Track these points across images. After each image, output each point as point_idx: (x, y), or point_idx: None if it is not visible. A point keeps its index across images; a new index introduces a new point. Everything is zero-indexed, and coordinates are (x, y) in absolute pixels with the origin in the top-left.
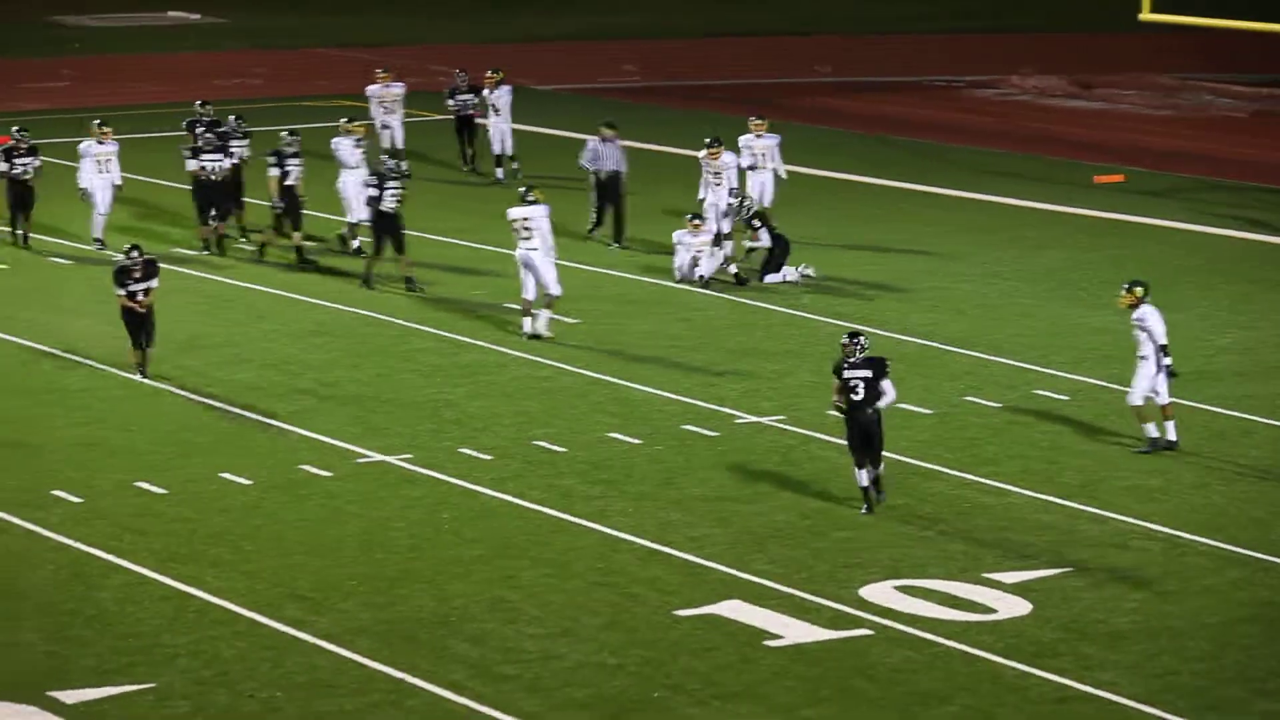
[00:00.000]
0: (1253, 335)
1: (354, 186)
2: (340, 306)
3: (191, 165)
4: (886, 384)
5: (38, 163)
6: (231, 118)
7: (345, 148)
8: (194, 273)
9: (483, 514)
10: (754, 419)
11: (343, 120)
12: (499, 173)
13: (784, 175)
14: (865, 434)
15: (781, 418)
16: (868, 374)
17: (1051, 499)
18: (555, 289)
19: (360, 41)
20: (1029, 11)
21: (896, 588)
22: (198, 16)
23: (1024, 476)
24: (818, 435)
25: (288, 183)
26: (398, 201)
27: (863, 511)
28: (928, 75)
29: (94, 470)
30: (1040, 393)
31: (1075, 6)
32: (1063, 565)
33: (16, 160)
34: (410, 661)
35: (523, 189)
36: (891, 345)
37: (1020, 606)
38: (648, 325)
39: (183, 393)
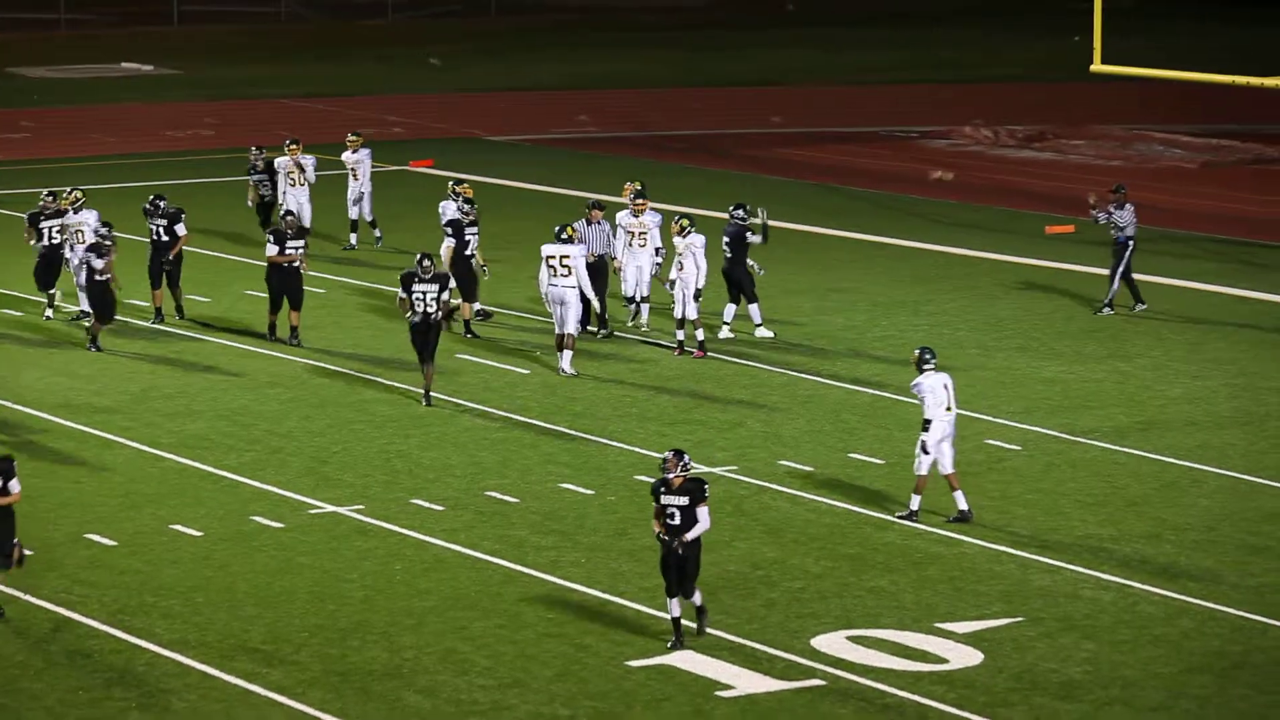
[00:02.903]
0: (1203, 385)
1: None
2: (292, 358)
3: (271, 251)
4: (702, 511)
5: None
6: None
7: (453, 210)
8: (145, 324)
9: (435, 565)
10: (706, 469)
11: (450, 182)
12: (352, 239)
13: (660, 259)
14: (680, 563)
15: (733, 468)
16: (684, 501)
17: (1003, 549)
18: (573, 328)
19: (312, 92)
20: (981, 63)
21: (849, 638)
22: (150, 68)
23: (975, 526)
24: (770, 485)
25: (466, 253)
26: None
27: (669, 645)
28: (880, 126)
29: (44, 522)
30: (991, 442)
31: (1026, 58)
32: (1015, 615)
33: (42, 225)
34: (362, 713)
35: (557, 227)
36: (843, 395)
37: (973, 656)
38: (600, 376)
39: (134, 444)
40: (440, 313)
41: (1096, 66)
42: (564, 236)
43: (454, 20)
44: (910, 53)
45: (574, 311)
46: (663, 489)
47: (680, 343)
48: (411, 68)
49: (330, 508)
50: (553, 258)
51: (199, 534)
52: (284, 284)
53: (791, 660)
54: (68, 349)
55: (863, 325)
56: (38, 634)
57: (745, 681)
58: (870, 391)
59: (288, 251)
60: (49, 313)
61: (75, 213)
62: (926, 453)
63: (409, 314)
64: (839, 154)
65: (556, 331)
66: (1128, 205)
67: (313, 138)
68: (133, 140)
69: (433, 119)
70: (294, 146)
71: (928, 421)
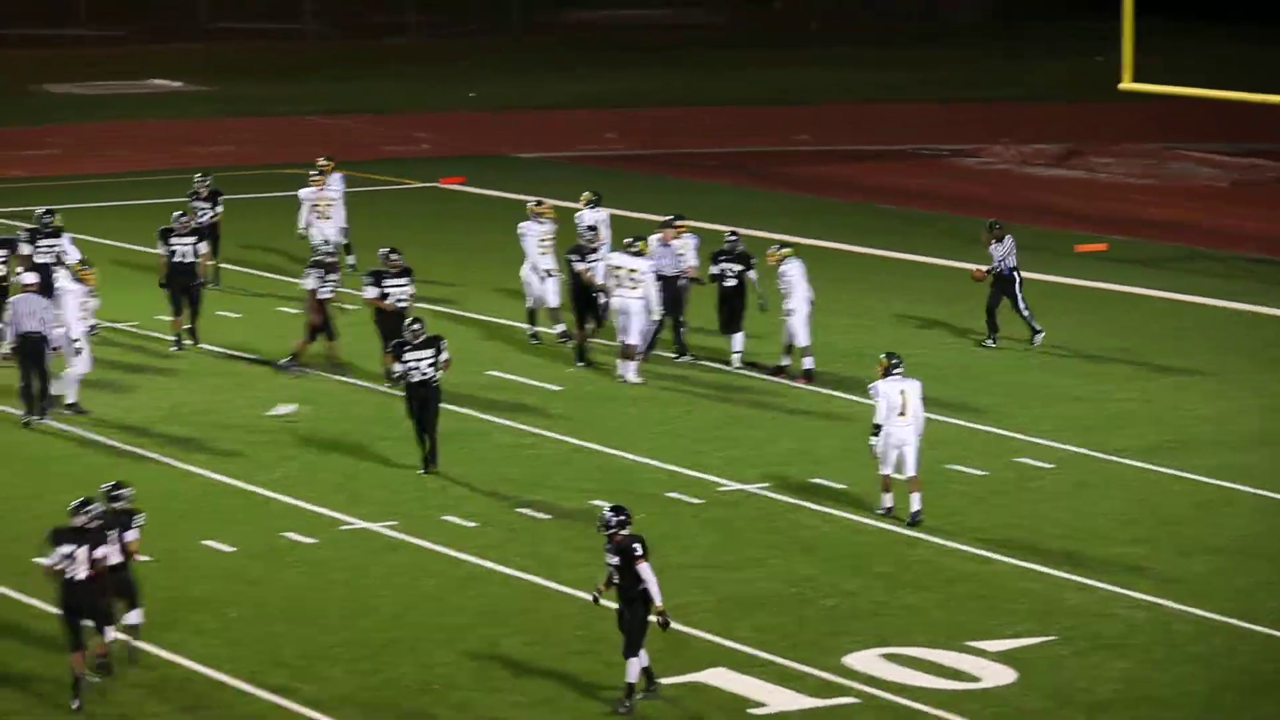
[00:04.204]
0: (1233, 404)
1: (541, 272)
2: (323, 374)
3: (371, 294)
4: (643, 569)
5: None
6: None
7: (534, 232)
8: (172, 337)
9: (466, 581)
10: (738, 486)
11: (530, 202)
12: (349, 259)
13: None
14: (630, 623)
15: (766, 485)
16: (616, 560)
17: (1036, 567)
18: (636, 339)
19: (341, 109)
20: (1011, 80)
21: (882, 656)
22: (178, 84)
23: (1008, 545)
24: (803, 503)
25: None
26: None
27: (617, 709)
28: (910, 143)
29: None
30: (1023, 461)
31: (1057, 75)
32: (1048, 633)
33: None
34: None
35: (628, 240)
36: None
37: (1005, 675)
38: (631, 392)
39: (166, 460)
40: (437, 377)
41: (1125, 84)
42: (635, 249)
43: (479, 37)
44: (938, 70)
45: (637, 322)
46: (607, 546)
47: (806, 371)
48: (437, 85)
49: (362, 524)
50: (620, 268)
51: (231, 550)
52: (387, 326)
53: (825, 678)
54: (98, 366)
55: (893, 343)
56: None
57: (778, 699)
58: None
59: (389, 293)
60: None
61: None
62: (874, 456)
63: (396, 380)
64: (868, 172)
65: (620, 341)
66: (1006, 238)
67: (340, 154)
68: (159, 156)
69: (459, 136)
70: (319, 178)
71: (877, 426)
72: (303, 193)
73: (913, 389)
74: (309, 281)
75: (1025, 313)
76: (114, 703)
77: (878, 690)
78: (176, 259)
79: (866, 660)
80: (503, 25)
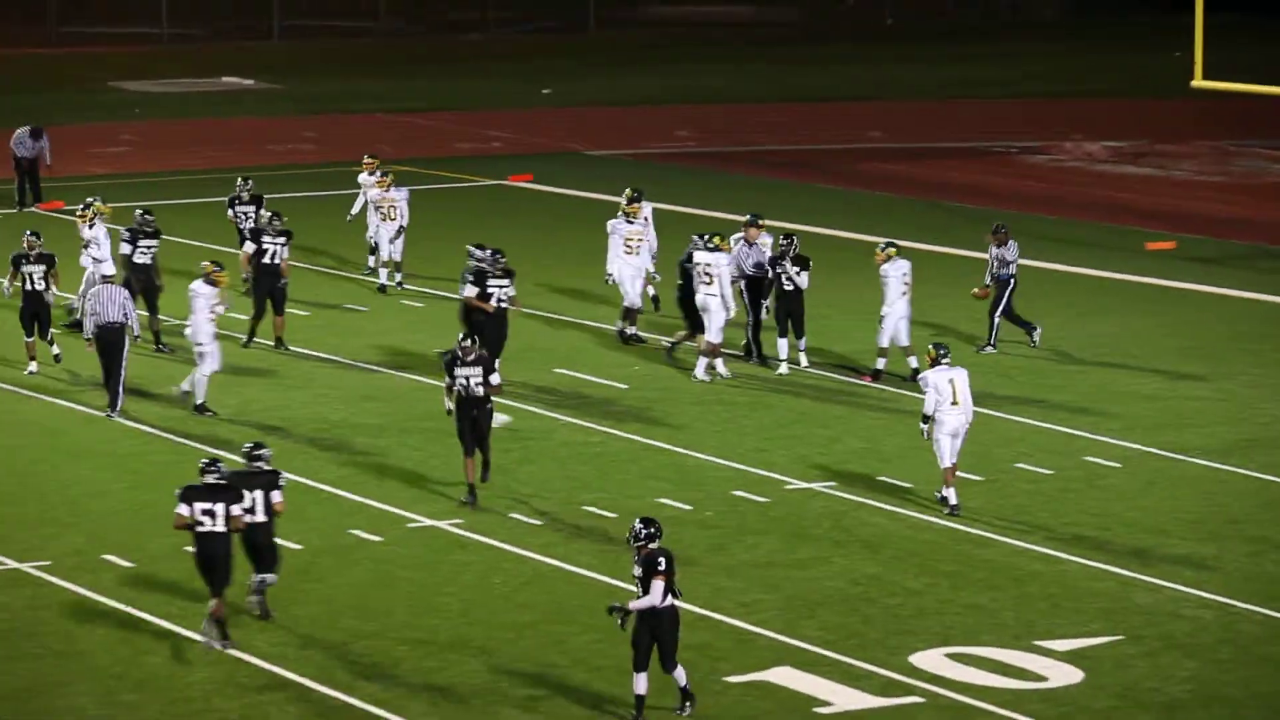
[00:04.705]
0: None
1: (629, 270)
2: (390, 371)
3: (469, 292)
4: (654, 585)
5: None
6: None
7: (622, 231)
8: (242, 336)
9: (533, 579)
10: (805, 485)
11: (622, 200)
12: (371, 260)
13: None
14: (651, 636)
15: (832, 484)
16: (638, 572)
17: (1104, 566)
18: (715, 338)
19: (411, 106)
20: (1081, 78)
21: (948, 655)
22: (251, 82)
23: (1076, 544)
24: (869, 502)
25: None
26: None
27: None
28: (979, 141)
29: (145, 534)
30: (1091, 459)
31: (1127, 73)
32: (1116, 633)
33: (24, 269)
34: None
35: (705, 235)
36: None
37: (1073, 675)
38: (698, 390)
39: (233, 457)
40: (490, 395)
41: (1197, 82)
42: (711, 245)
43: (554, 34)
44: (1009, 67)
45: (716, 319)
46: (635, 558)
47: (875, 371)
48: (511, 82)
49: (429, 521)
50: (699, 265)
51: (298, 547)
52: (478, 326)
53: (890, 677)
54: (167, 362)
55: (961, 342)
56: (138, 645)
57: (843, 698)
58: None
59: (489, 293)
60: (32, 366)
61: (90, 228)
62: (926, 439)
63: (448, 402)
64: (937, 169)
65: (706, 340)
66: (1011, 242)
67: (410, 151)
68: (233, 154)
69: (531, 133)
70: (385, 178)
71: (926, 416)
72: (370, 195)
73: (960, 377)
74: (468, 289)
75: (996, 320)
76: (182, 699)
77: (943, 689)
78: (265, 259)
79: (932, 659)
80: (576, 22)
